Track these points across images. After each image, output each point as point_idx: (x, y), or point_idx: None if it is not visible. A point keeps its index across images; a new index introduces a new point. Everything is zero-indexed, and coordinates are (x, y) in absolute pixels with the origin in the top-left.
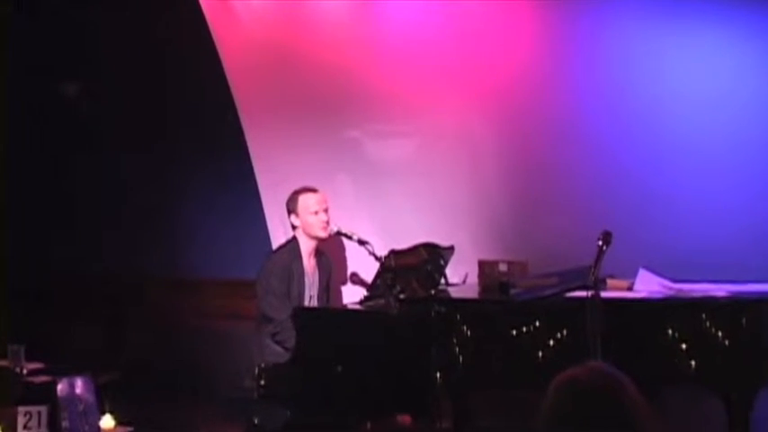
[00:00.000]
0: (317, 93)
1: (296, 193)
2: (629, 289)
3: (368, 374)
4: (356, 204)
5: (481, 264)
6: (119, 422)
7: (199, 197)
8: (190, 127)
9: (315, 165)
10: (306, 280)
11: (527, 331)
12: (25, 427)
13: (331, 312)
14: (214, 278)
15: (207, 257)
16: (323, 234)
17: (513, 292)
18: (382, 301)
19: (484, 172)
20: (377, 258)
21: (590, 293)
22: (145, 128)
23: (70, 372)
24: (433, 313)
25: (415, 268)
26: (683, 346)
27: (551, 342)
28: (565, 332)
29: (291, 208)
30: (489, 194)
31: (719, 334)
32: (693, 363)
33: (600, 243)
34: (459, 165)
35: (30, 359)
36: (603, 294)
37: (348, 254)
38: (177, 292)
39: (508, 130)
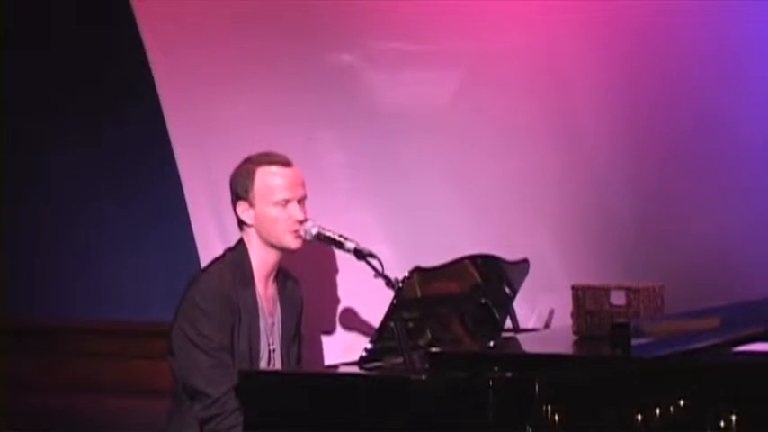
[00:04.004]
0: None
1: (249, 164)
2: None
3: None
4: (352, 187)
5: (577, 291)
6: None
7: (67, 180)
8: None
9: (280, 118)
10: (261, 322)
11: (664, 414)
12: None
13: (307, 380)
14: (95, 322)
15: (80, 288)
16: (293, 242)
17: (636, 342)
18: (399, 360)
19: (582, 128)
20: (389, 283)
21: None
22: None
23: None
24: (491, 382)
25: (457, 300)
26: None
27: None
28: (734, 418)
29: (240, 191)
30: (592, 169)
31: None
32: None
33: None
34: (537, 116)
35: None
36: None
37: (340, 276)
38: (29, 349)
39: (626, 66)
